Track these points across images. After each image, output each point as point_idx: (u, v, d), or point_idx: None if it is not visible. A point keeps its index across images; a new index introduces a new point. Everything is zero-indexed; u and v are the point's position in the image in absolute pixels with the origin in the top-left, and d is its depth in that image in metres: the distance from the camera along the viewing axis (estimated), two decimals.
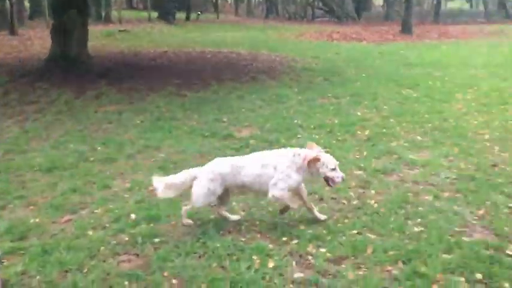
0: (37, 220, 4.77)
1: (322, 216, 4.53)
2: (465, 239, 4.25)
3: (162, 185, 4.38)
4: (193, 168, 4.51)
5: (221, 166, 4.40)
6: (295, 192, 4.40)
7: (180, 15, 34.83)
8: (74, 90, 10.57)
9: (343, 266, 3.81)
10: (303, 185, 4.45)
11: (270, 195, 4.26)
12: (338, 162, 4.36)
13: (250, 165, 4.34)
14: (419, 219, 4.57)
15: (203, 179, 4.33)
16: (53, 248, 4.14)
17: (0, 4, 24.54)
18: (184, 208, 4.52)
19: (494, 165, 6.09)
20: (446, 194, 5.24)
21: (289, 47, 18.45)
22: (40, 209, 5.07)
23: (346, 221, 4.57)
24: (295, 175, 4.26)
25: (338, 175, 4.30)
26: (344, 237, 4.23)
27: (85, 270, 3.78)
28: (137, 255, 4.08)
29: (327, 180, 4.31)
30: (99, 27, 25.85)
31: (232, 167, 4.37)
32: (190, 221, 4.48)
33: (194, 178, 4.38)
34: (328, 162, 4.28)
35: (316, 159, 4.23)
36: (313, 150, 4.34)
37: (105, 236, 4.36)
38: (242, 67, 14.21)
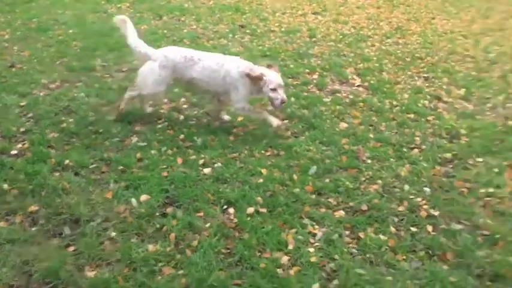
0: None
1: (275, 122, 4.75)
2: None
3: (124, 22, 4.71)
4: (150, 48, 4.74)
5: (174, 54, 4.64)
6: None
7: None
8: None
9: None
10: None
11: (233, 109, 4.89)
12: (282, 83, 4.55)
13: (202, 63, 4.59)
14: None
15: (156, 64, 4.57)
16: None
17: None
18: (128, 94, 4.81)
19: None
20: None
21: None
22: None
23: None
24: (242, 88, 4.58)
25: (277, 96, 4.46)
26: None
27: None
28: None
29: (270, 100, 4.56)
30: None
31: (186, 59, 4.60)
32: (122, 107, 4.82)
33: (147, 57, 4.66)
34: (270, 82, 4.45)
35: (257, 78, 4.45)
36: (261, 68, 4.61)
37: None
38: None
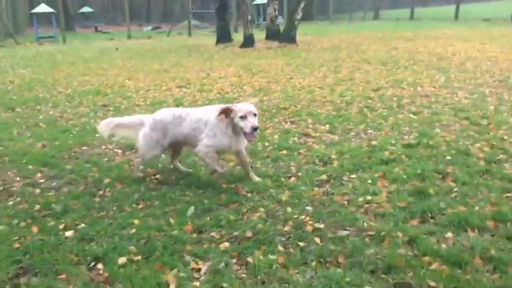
0: None
1: (257, 178, 4.62)
2: None
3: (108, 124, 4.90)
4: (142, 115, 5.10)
5: (163, 115, 4.71)
6: (235, 154, 4.65)
7: None
8: None
9: None
10: (243, 148, 4.57)
11: (196, 149, 4.52)
12: (254, 111, 4.23)
13: (189, 118, 4.55)
14: None
15: (147, 128, 4.66)
16: None
17: None
18: (136, 160, 4.91)
19: None
20: None
21: None
22: None
23: None
24: (221, 134, 4.37)
25: (247, 124, 4.16)
26: None
27: None
28: None
29: (242, 131, 4.24)
30: None
31: (174, 117, 4.61)
32: (140, 174, 4.87)
33: (142, 123, 4.75)
34: (238, 110, 4.22)
35: (225, 110, 4.27)
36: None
37: None
38: None
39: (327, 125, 6.58)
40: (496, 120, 6.26)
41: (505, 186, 4.20)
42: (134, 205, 4.17)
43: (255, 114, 4.20)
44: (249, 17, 17.84)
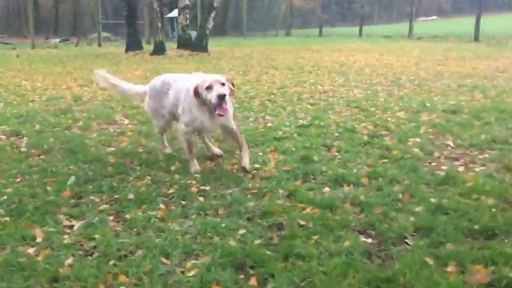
0: None
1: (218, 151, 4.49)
2: None
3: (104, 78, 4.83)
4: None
5: (155, 81, 4.50)
6: (224, 133, 4.27)
7: None
8: None
9: None
10: (230, 124, 4.11)
11: (176, 126, 4.28)
12: (221, 80, 3.80)
13: (174, 85, 4.23)
14: None
15: (146, 98, 4.55)
16: None
17: None
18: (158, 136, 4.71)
19: None
20: None
21: None
22: None
23: None
24: (196, 109, 3.96)
25: (213, 94, 3.69)
26: None
27: None
28: None
29: (210, 104, 3.79)
30: None
31: (163, 84, 4.35)
32: (167, 150, 4.66)
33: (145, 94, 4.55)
34: (203, 81, 3.79)
35: (195, 90, 3.83)
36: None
37: None
38: None
39: None
40: (383, 107, 6.75)
41: (382, 153, 4.52)
42: (11, 179, 3.93)
43: (222, 84, 3.73)
44: (159, 24, 17.75)
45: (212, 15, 17.89)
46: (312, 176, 3.94)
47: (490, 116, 5.89)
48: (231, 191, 3.61)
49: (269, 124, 5.89)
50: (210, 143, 4.59)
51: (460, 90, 8.20)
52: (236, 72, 12.10)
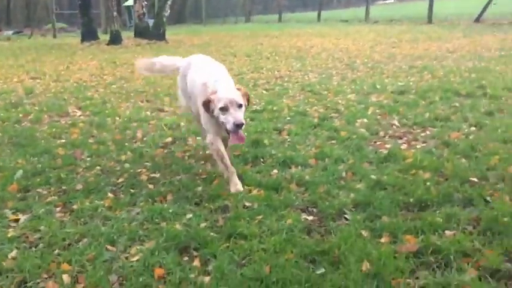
0: None
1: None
2: None
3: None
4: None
5: (188, 59, 4.02)
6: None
7: None
8: None
9: None
10: None
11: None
12: (238, 100, 3.16)
13: (192, 72, 3.72)
14: None
15: (178, 77, 4.06)
16: None
17: None
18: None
19: None
20: None
21: None
22: None
23: None
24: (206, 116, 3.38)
25: (228, 119, 3.13)
26: None
27: None
28: None
29: (224, 127, 3.23)
30: None
31: (187, 64, 3.89)
32: None
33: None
34: (218, 100, 3.17)
35: (205, 103, 3.26)
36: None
37: None
38: None
39: None
40: (335, 91, 6.90)
41: (331, 135, 4.65)
42: None
43: (240, 106, 3.14)
44: (115, 14, 17.37)
45: (169, 2, 17.62)
46: (261, 159, 4.03)
47: (435, 96, 6.12)
48: (180, 177, 3.65)
49: None
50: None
51: (411, 72, 8.45)
52: None
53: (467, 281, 2.11)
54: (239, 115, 3.09)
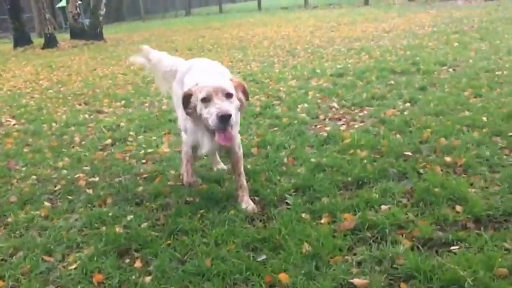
0: None
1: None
2: None
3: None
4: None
5: (185, 64, 3.27)
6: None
7: None
8: None
9: None
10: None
11: None
12: (225, 88, 2.56)
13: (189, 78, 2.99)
14: None
15: None
16: None
17: None
18: None
19: None
20: None
21: None
22: None
23: None
24: (191, 124, 2.84)
25: (211, 111, 2.51)
26: None
27: None
28: None
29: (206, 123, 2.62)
30: None
31: (188, 69, 3.11)
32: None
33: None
34: (200, 89, 2.58)
35: (185, 97, 2.68)
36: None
37: None
38: None
39: (123, 101, 6.54)
40: (277, 78, 6.95)
41: (272, 122, 4.69)
42: None
43: (228, 95, 2.54)
44: (47, 16, 16.67)
45: (104, 0, 17.09)
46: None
47: (372, 75, 6.29)
48: (120, 178, 3.58)
49: (164, 107, 5.85)
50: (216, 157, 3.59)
51: (349, 54, 8.64)
52: None
53: (401, 253, 2.19)
54: (225, 105, 2.45)
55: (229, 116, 2.43)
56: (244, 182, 2.95)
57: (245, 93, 2.76)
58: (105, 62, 11.66)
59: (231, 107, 2.50)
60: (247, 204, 2.85)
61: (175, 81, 3.27)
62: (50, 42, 16.20)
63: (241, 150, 3.02)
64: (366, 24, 13.80)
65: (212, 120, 2.46)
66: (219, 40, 13.99)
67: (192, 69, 3.05)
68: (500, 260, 2.05)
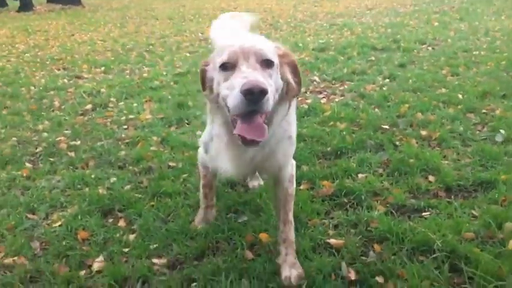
0: None
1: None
2: None
3: None
4: None
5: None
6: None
7: None
8: None
9: None
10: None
11: None
12: (255, 50, 1.56)
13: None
14: None
15: None
16: None
17: None
18: None
19: None
20: None
21: None
22: None
23: None
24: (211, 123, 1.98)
25: (233, 83, 1.49)
26: None
27: None
28: None
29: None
30: None
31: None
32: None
33: None
34: (220, 53, 1.62)
35: (204, 66, 1.76)
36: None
37: None
38: None
39: (103, 67, 6.47)
40: None
41: None
42: None
43: (266, 62, 1.58)
44: None
45: None
46: (186, 121, 4.04)
47: (353, 51, 6.37)
48: (102, 142, 3.59)
49: (145, 75, 5.83)
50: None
51: (331, 29, 8.68)
52: (113, 25, 11.56)
53: (375, 217, 2.31)
54: (253, 76, 1.46)
55: (262, 90, 1.40)
56: (292, 234, 2.01)
57: (296, 73, 1.73)
58: (84, 28, 11.40)
59: (263, 77, 1.48)
60: (292, 268, 1.92)
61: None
62: (26, 6, 15.71)
63: (294, 184, 2.08)
64: (348, 0, 13.82)
65: (233, 98, 1.44)
66: (200, 11, 13.84)
67: (218, 34, 2.31)
68: (468, 225, 2.19)
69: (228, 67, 1.56)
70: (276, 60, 1.60)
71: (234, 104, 1.44)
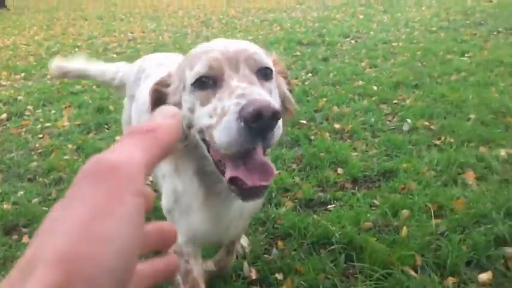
0: None
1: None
2: None
3: None
4: None
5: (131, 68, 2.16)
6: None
7: None
8: None
9: None
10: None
11: None
12: (249, 54, 1.05)
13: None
14: None
15: None
16: None
17: None
18: None
19: None
20: None
21: None
22: None
23: None
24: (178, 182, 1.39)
25: (226, 105, 0.94)
26: None
27: None
28: None
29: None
30: None
31: (138, 73, 1.98)
32: None
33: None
34: (192, 63, 1.08)
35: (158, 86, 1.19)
36: None
37: None
38: None
39: (23, 73, 6.18)
40: (188, 49, 6.87)
41: None
42: None
43: (263, 71, 1.08)
44: None
45: None
46: (105, 126, 3.94)
47: (280, 47, 6.45)
48: (13, 154, 3.43)
49: (67, 80, 5.62)
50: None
51: (262, 25, 8.74)
52: (39, 28, 11.07)
53: (282, 213, 2.35)
54: (256, 91, 0.95)
55: (274, 113, 0.89)
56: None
57: (287, 80, 1.32)
58: (7, 31, 10.84)
59: (268, 96, 1.00)
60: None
61: (126, 99, 2.13)
62: None
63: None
64: None
65: (226, 129, 0.93)
66: (132, 9, 13.54)
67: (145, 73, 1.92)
68: (368, 215, 2.27)
69: (206, 83, 1.04)
70: (269, 65, 1.10)
71: (230, 138, 0.92)
